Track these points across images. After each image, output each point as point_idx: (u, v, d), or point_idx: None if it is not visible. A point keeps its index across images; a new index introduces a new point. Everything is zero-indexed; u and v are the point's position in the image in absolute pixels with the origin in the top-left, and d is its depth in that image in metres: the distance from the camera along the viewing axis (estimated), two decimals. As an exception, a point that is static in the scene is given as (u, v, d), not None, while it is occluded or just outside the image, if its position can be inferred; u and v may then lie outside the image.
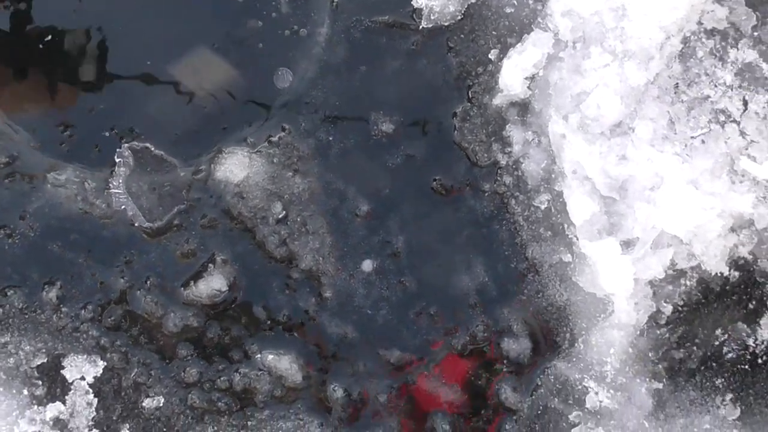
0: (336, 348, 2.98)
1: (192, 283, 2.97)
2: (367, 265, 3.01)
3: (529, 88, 3.00)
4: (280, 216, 3.00)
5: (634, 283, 2.87)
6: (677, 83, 2.96)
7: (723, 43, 2.99)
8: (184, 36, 3.17)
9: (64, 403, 2.91)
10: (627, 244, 2.89)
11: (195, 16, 3.21)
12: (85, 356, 2.94)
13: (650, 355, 2.91)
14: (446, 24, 3.12)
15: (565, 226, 2.95)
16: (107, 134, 3.06)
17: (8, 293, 2.97)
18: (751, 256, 2.91)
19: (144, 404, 2.93)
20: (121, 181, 3.00)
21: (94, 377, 2.93)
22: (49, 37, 3.13)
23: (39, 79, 3.14)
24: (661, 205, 2.87)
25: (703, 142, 2.92)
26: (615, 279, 2.89)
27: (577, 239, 2.93)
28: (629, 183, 2.91)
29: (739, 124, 2.92)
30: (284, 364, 2.95)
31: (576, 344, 2.94)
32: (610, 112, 2.92)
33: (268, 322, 2.98)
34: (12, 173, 3.03)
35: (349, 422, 2.95)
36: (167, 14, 3.21)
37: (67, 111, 3.10)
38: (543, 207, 2.99)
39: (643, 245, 2.88)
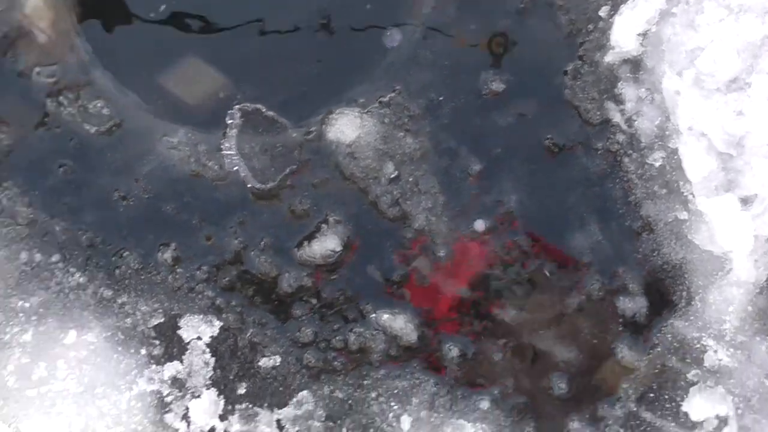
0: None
1: (306, 243, 2.98)
2: (480, 225, 3.00)
3: (641, 44, 2.97)
4: (392, 176, 3.00)
5: (754, 239, 2.84)
6: (795, 37, 2.91)
7: (842, -5, 2.93)
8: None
9: (181, 362, 2.94)
10: (745, 201, 2.85)
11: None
12: (201, 316, 2.97)
13: (770, 312, 2.88)
14: (556, -19, 3.10)
15: (680, 183, 2.92)
16: (219, 96, 3.08)
17: (124, 254, 3.00)
18: None
19: (260, 363, 2.95)
20: (233, 142, 3.02)
21: (211, 337, 2.95)
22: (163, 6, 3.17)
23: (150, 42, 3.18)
24: (780, 161, 2.83)
25: (822, 96, 2.87)
26: (733, 236, 2.85)
27: (694, 196, 2.89)
28: (746, 138, 2.86)
29: None
30: (399, 323, 2.95)
31: (693, 302, 2.91)
32: (725, 67, 2.87)
33: (383, 281, 2.99)
34: (124, 136, 3.07)
35: (464, 381, 2.95)
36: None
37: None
38: (657, 164, 2.96)
39: (762, 201, 2.84)
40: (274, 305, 2.98)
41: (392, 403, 2.93)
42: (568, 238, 2.98)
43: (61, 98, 3.06)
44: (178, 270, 2.99)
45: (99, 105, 3.06)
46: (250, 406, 2.92)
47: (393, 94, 3.06)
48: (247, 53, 3.16)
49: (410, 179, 3.01)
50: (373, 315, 2.96)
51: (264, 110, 3.04)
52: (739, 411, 2.83)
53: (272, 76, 3.11)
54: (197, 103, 3.12)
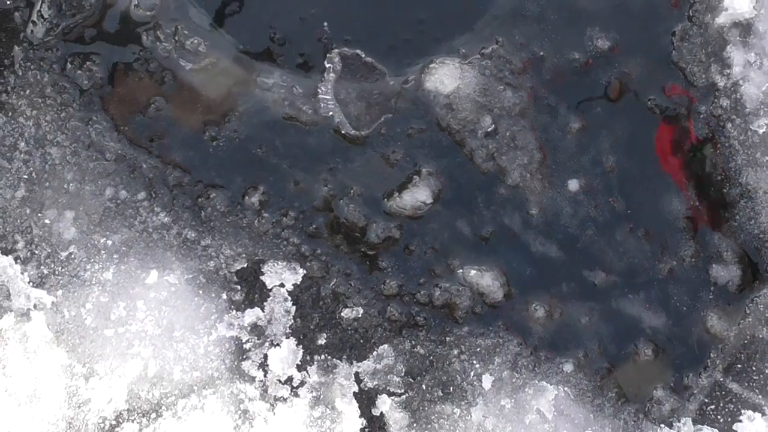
0: (539, 267, 2.93)
1: (396, 193, 2.93)
2: (574, 185, 2.94)
3: (754, 8, 2.89)
4: (489, 129, 2.93)
5: None
6: None
7: None
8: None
9: (262, 309, 2.89)
10: None
11: None
12: (284, 263, 2.92)
13: None
14: (667, -61, 3.01)
15: (784, 152, 2.87)
16: (318, 39, 3.00)
17: (211, 195, 2.94)
18: None
19: (342, 314, 2.91)
20: (329, 87, 2.95)
21: (293, 285, 2.91)
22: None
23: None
24: None
25: None
26: (835, 209, 2.81)
27: (797, 166, 2.84)
28: None
29: None
30: (486, 280, 2.90)
31: (788, 274, 2.87)
32: (839, 35, 2.81)
33: (472, 237, 2.94)
34: (218, 75, 2.98)
35: (548, 342, 2.91)
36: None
37: (276, 15, 3.04)
38: (761, 131, 2.89)
39: None
40: (359, 255, 2.94)
41: (474, 362, 2.89)
42: (664, 201, 2.93)
43: (158, 33, 2.99)
44: (265, 215, 2.94)
45: (195, 42, 2.99)
46: (329, 357, 2.89)
47: (495, 46, 2.98)
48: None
49: (507, 134, 2.95)
50: (461, 270, 2.92)
51: (363, 56, 2.97)
52: (831, 386, 2.81)
53: (374, 22, 3.03)
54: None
